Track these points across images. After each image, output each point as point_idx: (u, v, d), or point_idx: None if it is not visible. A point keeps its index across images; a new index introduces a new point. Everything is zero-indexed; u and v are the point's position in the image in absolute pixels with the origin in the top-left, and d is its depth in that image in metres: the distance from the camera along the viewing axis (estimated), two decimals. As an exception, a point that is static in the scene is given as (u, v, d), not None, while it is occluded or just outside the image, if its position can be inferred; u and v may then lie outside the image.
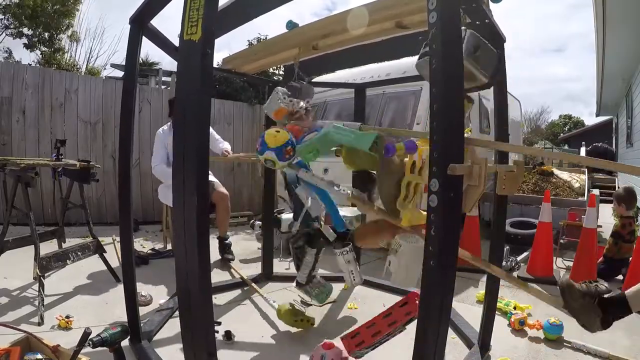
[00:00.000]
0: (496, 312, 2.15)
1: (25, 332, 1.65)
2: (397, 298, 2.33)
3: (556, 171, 5.86)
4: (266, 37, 7.68)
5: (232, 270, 3.47)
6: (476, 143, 1.34)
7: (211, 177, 3.73)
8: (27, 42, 10.29)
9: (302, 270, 2.25)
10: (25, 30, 10.12)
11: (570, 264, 3.44)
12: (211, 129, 3.29)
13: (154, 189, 5.24)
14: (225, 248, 3.63)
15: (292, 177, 2.04)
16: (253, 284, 2.97)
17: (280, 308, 2.34)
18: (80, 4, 10.83)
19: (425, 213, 1.11)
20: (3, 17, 9.89)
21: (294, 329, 2.31)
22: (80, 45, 12.34)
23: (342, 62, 2.84)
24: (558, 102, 61.01)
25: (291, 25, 2.17)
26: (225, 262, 3.58)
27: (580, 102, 62.92)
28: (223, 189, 3.67)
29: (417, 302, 1.84)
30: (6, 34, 10.25)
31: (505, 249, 3.24)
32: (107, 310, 2.49)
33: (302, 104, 2.08)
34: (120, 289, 2.27)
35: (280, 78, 6.38)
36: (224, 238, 3.66)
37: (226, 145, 3.69)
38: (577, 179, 5.69)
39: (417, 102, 4.25)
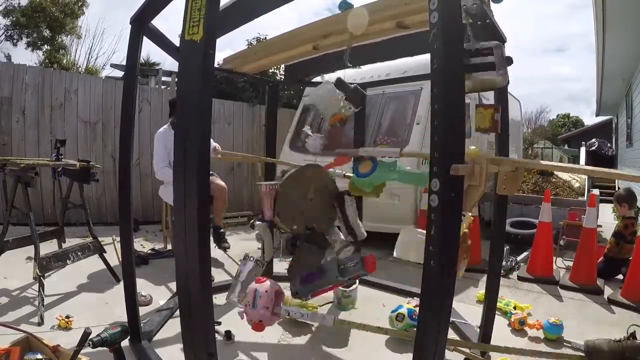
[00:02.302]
0: (496, 312, 2.15)
1: (25, 332, 1.65)
2: (397, 298, 2.34)
3: (556, 171, 5.86)
4: (266, 37, 7.68)
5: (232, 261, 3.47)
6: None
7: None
8: (29, 41, 10.29)
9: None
10: (26, 27, 10.12)
11: (570, 263, 3.44)
12: None
13: (154, 189, 5.24)
14: (220, 237, 3.69)
15: None
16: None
17: None
18: (85, 7, 10.88)
19: None
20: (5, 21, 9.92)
21: (293, 329, 2.32)
22: (80, 45, 12.36)
23: (342, 62, 2.83)
24: (558, 102, 61.06)
25: (345, 5, 2.02)
26: (222, 251, 3.64)
27: (580, 102, 62.92)
28: (220, 182, 3.66)
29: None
30: (5, 36, 10.26)
31: (505, 249, 3.24)
32: (107, 310, 2.49)
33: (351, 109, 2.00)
34: (120, 289, 2.27)
35: (283, 77, 6.34)
36: (218, 227, 3.68)
37: (214, 144, 3.62)
38: (577, 179, 5.70)
39: (417, 102, 4.26)
